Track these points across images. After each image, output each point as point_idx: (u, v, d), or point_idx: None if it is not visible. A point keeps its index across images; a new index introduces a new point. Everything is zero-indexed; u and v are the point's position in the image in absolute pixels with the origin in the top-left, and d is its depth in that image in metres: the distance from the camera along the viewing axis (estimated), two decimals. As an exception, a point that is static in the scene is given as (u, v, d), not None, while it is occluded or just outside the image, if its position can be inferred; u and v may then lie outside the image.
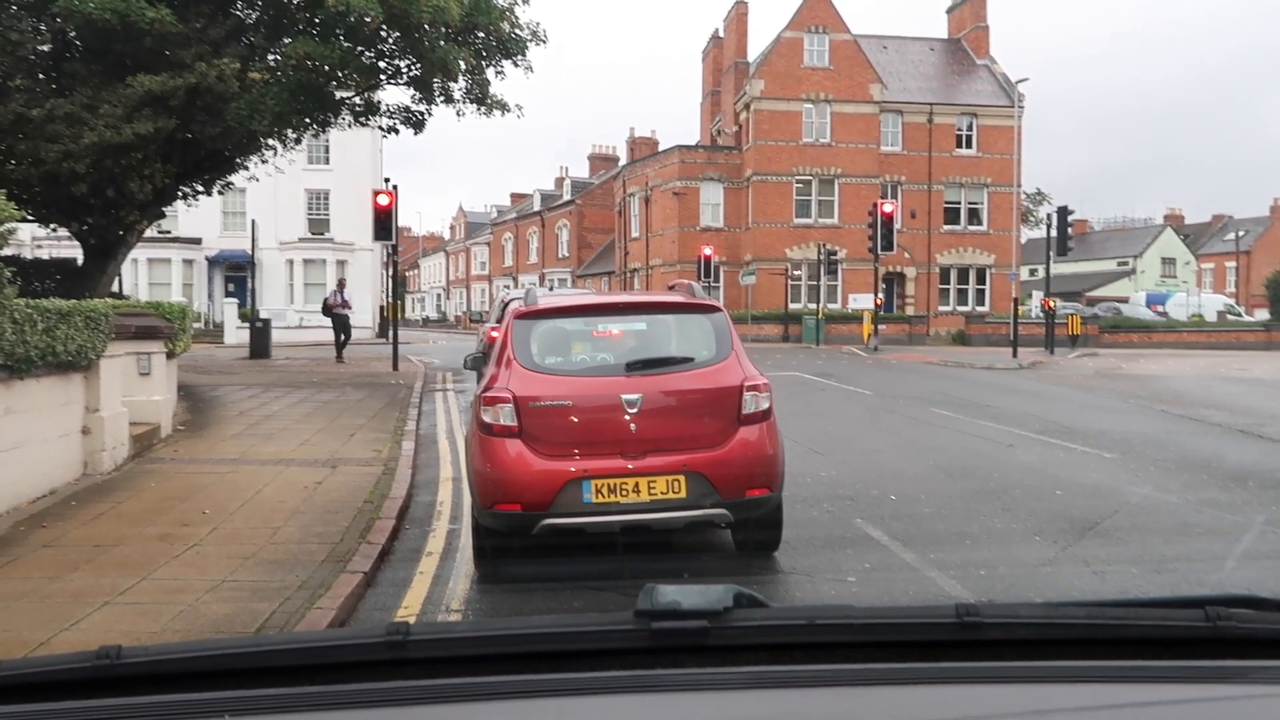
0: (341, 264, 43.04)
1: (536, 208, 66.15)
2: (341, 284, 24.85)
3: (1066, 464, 9.43)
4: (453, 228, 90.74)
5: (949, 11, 47.34)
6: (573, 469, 5.26)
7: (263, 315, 39.78)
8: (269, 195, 42.05)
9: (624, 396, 5.33)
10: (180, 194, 18.22)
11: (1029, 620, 1.38)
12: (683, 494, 5.27)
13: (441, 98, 17.98)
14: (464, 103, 18.02)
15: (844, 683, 1.23)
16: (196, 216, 36.05)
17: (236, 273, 43.12)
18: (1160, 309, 46.27)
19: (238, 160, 18.20)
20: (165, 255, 40.63)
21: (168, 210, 23.27)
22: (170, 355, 11.27)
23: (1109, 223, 75.80)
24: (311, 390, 15.28)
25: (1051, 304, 26.12)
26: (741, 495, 5.37)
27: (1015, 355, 24.04)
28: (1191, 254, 67.44)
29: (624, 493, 5.24)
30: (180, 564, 5.74)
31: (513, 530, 5.41)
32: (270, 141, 17.43)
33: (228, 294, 41.80)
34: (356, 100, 17.99)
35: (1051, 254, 25.21)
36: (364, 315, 37.79)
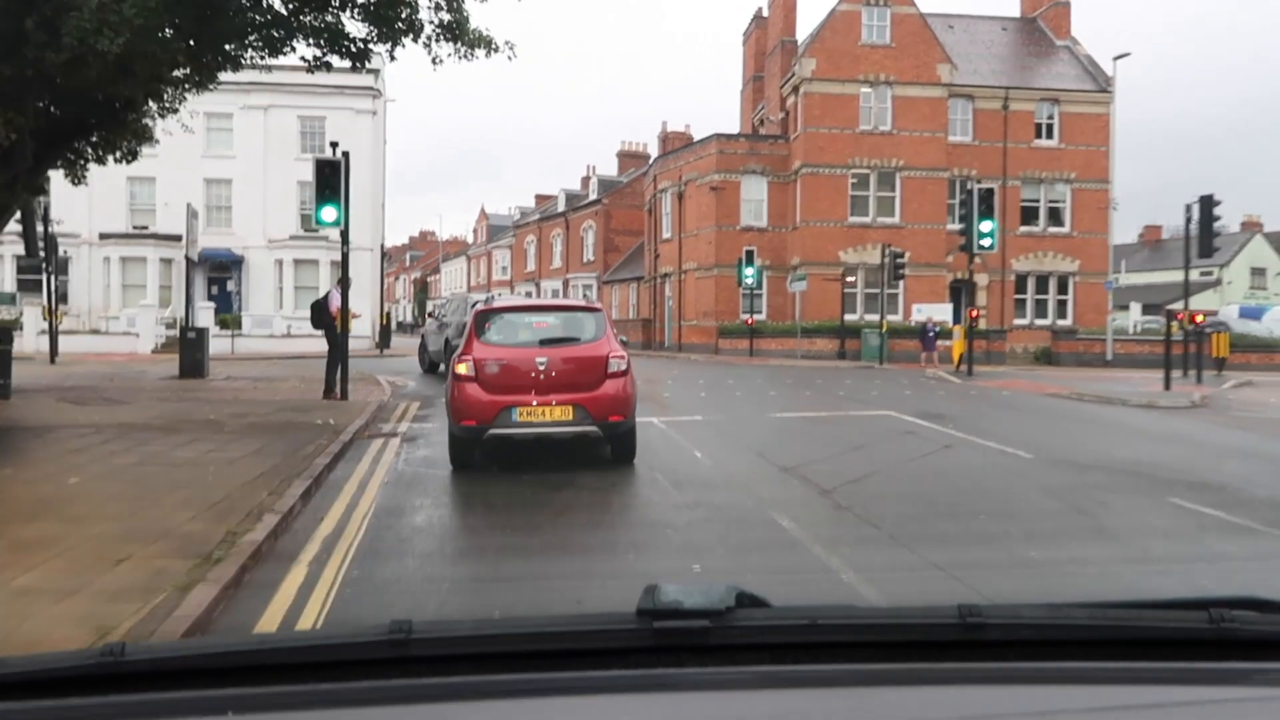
0: (337, 265, 38.57)
1: (561, 208, 61.40)
2: (340, 284, 17.51)
3: None
4: (475, 231, 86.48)
5: (1023, -13, 42.00)
6: (507, 400, 8.92)
7: (246, 320, 35.58)
8: (257, 188, 37.79)
9: (537, 360, 9.05)
10: (57, 164, 13.61)
11: (1031, 621, 1.37)
12: (570, 418, 8.96)
13: (407, 32, 13.21)
14: (437, 41, 13.26)
15: (846, 683, 1.22)
16: (176, 211, 31.71)
17: (220, 274, 38.76)
18: (1259, 324, 40.62)
19: (131, 115, 13.51)
20: (140, 253, 36.33)
21: (145, 202, 18.75)
22: None
23: (1177, 231, 69.81)
24: (185, 437, 10.43)
25: (1199, 318, 20.78)
26: (606, 419, 9.06)
27: (1168, 387, 18.46)
28: (1282, 263, 61.20)
29: (536, 415, 8.91)
30: None
31: (471, 436, 9.03)
32: (156, 77, 12.54)
33: (210, 297, 37.45)
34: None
35: (1192, 255, 19.88)
36: (361, 325, 32.93)
